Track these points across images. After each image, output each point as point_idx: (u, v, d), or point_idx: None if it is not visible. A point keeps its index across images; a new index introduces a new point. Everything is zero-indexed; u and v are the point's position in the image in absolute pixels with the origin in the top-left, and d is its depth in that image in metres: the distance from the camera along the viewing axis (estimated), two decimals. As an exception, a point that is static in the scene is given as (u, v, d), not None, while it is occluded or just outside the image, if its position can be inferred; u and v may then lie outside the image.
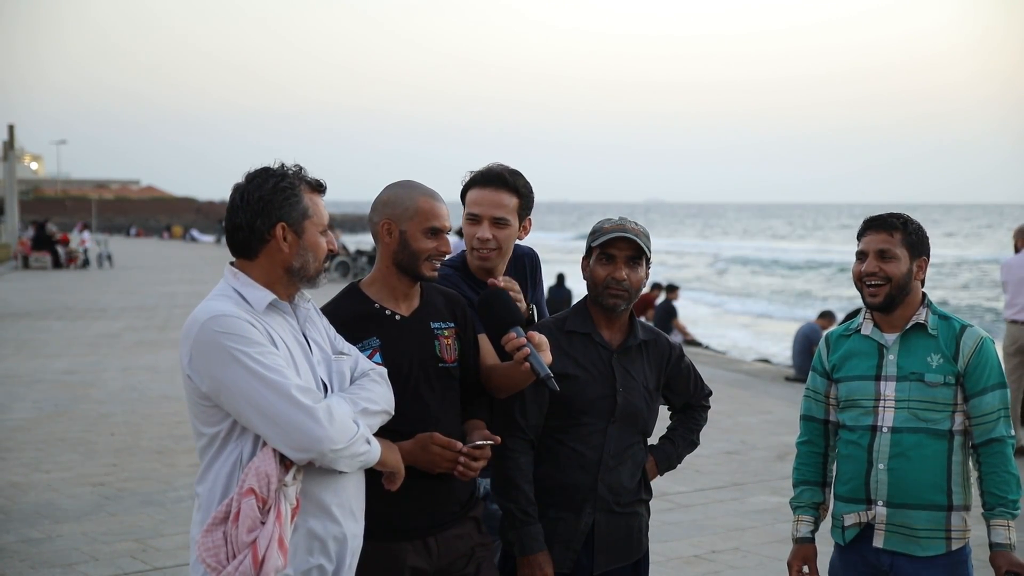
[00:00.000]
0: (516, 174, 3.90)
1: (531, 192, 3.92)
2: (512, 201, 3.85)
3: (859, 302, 3.99)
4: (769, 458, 9.62)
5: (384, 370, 3.25)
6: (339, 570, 3.08)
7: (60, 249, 38.82)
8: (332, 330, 3.25)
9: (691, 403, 3.98)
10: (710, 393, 4.03)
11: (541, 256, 4.33)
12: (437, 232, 3.43)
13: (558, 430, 3.66)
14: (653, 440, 3.93)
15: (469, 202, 3.88)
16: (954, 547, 3.67)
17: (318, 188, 3.12)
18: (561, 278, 23.02)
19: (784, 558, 3.99)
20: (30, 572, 6.35)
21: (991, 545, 3.64)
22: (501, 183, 3.85)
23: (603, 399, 3.66)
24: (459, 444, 3.32)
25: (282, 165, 3.09)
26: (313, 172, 3.15)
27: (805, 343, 15.29)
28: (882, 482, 3.68)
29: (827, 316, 16.42)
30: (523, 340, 3.36)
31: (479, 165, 3.94)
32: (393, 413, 3.20)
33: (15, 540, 6.95)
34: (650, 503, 3.89)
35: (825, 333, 3.98)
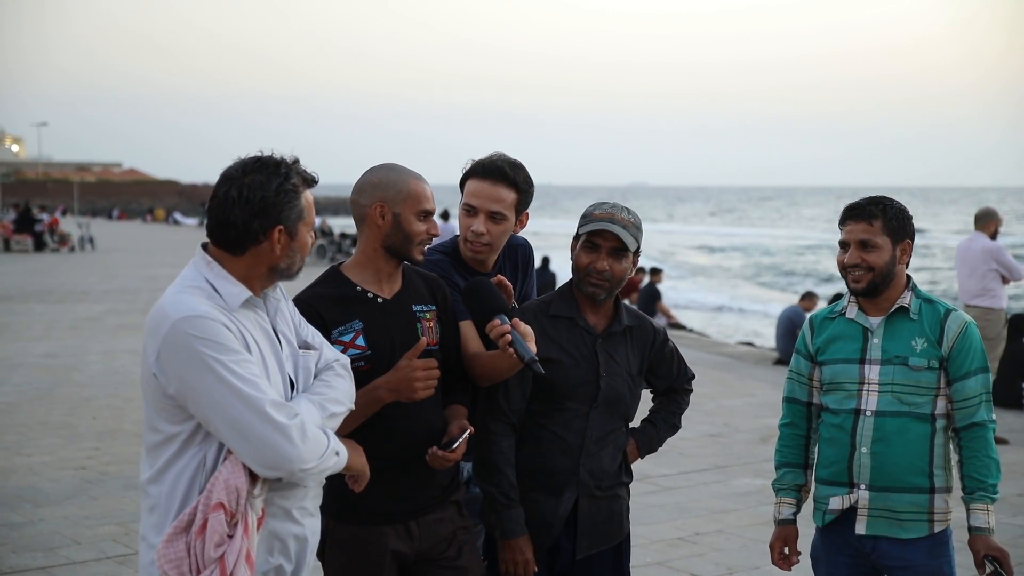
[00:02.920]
0: (517, 168, 3.84)
1: (531, 186, 3.87)
2: (510, 196, 3.80)
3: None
4: (752, 441, 9.65)
5: (347, 361, 3.17)
6: (299, 569, 3.01)
7: (45, 233, 38.56)
8: (297, 314, 3.15)
9: (674, 387, 3.96)
10: (693, 376, 4.02)
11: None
12: (428, 215, 3.42)
13: (541, 414, 3.66)
14: (635, 423, 3.92)
15: (467, 192, 3.82)
16: (936, 529, 3.68)
17: (312, 183, 2.96)
18: (546, 261, 23.02)
19: (768, 540, 4.00)
20: (11, 556, 6.32)
21: (970, 529, 3.65)
22: (501, 177, 3.79)
23: (586, 384, 3.65)
24: (435, 363, 3.30)
25: (281, 158, 2.91)
26: (305, 152, 2.99)
27: (788, 325, 15.33)
28: (865, 466, 3.68)
29: (809, 297, 16.43)
30: (507, 327, 3.36)
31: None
32: (354, 407, 3.12)
33: (-4, 524, 6.92)
34: (633, 486, 3.89)
35: (809, 315, 3.98)
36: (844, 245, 3.76)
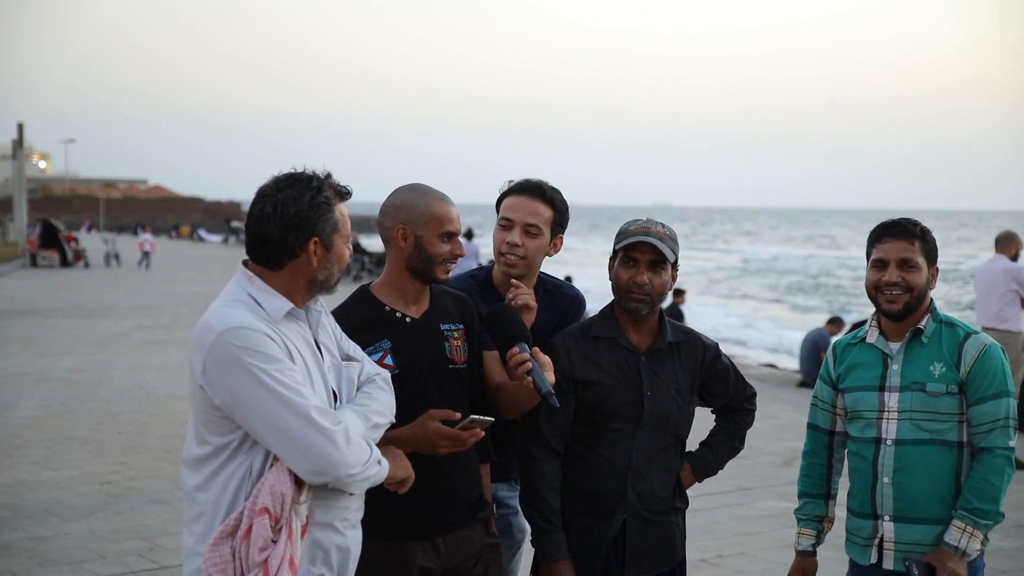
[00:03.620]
0: (555, 189, 3.89)
1: (567, 209, 3.91)
2: (547, 212, 3.83)
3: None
4: (776, 463, 9.61)
5: (388, 374, 3.21)
6: None
7: (66, 247, 38.91)
8: (339, 329, 3.20)
9: (732, 405, 3.88)
10: (754, 394, 3.92)
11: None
12: (451, 236, 3.45)
13: (587, 436, 3.63)
14: (693, 445, 3.86)
15: (504, 208, 3.86)
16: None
17: (346, 196, 3.03)
18: (569, 279, 23.05)
19: (790, 563, 3.98)
20: (38, 570, 6.37)
21: (940, 544, 3.51)
22: (539, 193, 3.84)
23: (629, 404, 3.60)
24: (457, 415, 3.24)
25: (313, 173, 2.96)
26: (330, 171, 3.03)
27: (813, 348, 15.28)
28: (887, 496, 3.60)
29: (836, 322, 16.35)
30: (527, 356, 3.34)
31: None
32: (394, 421, 3.16)
33: (23, 537, 6.97)
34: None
35: (833, 342, 3.92)
36: (881, 263, 3.65)
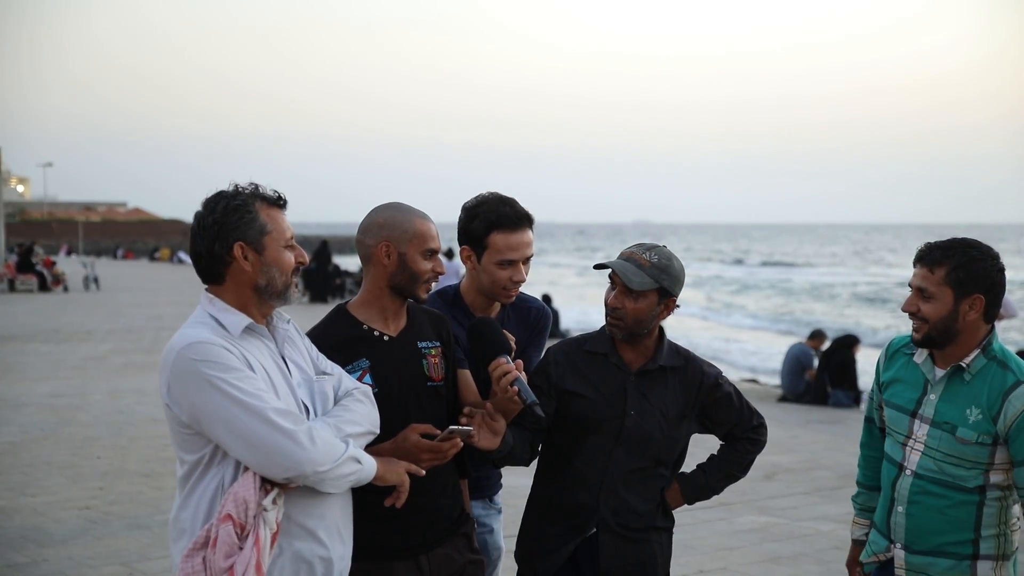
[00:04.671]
0: (522, 206, 3.85)
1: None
2: (532, 234, 3.85)
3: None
4: (757, 478, 9.60)
5: (368, 388, 3.24)
6: None
7: (44, 271, 38.71)
8: (314, 349, 3.24)
9: (734, 433, 3.81)
10: (761, 424, 3.85)
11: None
12: (433, 253, 3.47)
13: (565, 448, 3.65)
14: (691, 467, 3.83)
15: (502, 247, 3.76)
16: None
17: (276, 203, 3.08)
18: (547, 299, 23.07)
19: (772, 577, 3.98)
20: (16, 596, 6.32)
21: None
22: (528, 222, 3.82)
23: (610, 421, 3.59)
24: (437, 432, 3.28)
25: (235, 186, 3.07)
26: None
27: (795, 364, 15.31)
28: (900, 525, 3.52)
29: (818, 336, 16.31)
30: (512, 367, 3.37)
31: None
32: (378, 432, 3.19)
33: (1, 565, 6.91)
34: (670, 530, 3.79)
35: (890, 340, 3.72)
36: (910, 288, 3.49)
